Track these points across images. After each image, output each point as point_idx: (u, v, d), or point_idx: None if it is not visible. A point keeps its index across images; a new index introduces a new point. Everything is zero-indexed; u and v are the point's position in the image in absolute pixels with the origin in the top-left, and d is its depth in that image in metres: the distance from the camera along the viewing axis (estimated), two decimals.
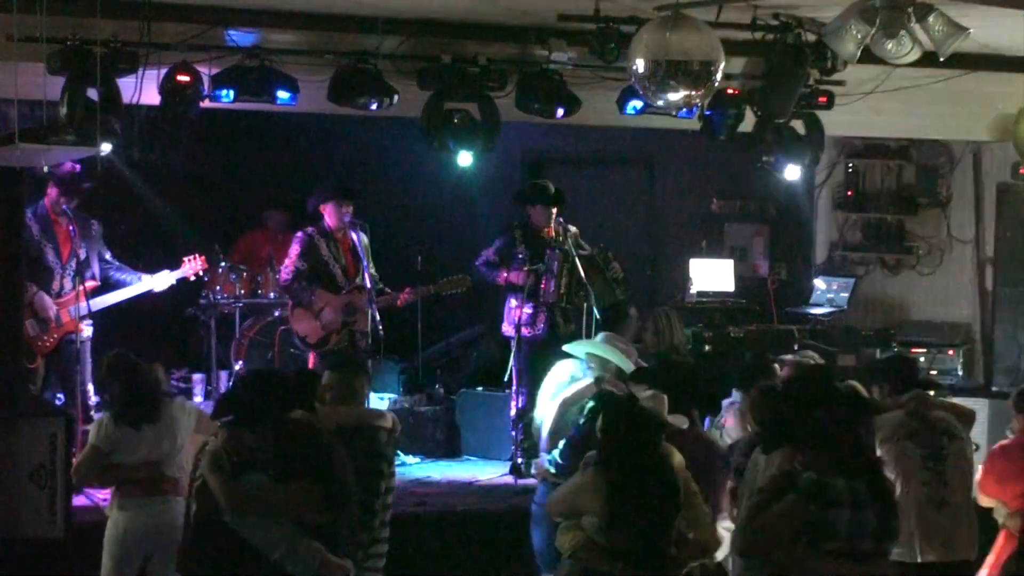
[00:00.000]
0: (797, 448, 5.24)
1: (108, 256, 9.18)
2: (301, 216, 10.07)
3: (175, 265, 9.51)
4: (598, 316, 9.42)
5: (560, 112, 9.37)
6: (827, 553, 4.97)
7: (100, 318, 9.04)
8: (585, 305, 9.62)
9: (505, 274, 9.80)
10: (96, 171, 8.49)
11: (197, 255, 9.64)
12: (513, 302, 9.83)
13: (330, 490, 5.35)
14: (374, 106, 8.95)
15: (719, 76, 7.17)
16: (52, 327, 8.73)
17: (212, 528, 5.28)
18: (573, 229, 9.98)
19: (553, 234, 9.88)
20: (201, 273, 9.77)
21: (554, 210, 9.91)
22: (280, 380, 5.68)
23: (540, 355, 9.31)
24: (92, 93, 7.91)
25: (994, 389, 10.18)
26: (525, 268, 9.73)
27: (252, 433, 5.29)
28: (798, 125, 9.87)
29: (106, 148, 7.91)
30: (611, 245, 10.99)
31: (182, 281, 9.61)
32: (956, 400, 7.14)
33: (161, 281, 9.25)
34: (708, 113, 9.63)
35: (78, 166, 8.71)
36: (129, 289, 9.14)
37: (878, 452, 5.94)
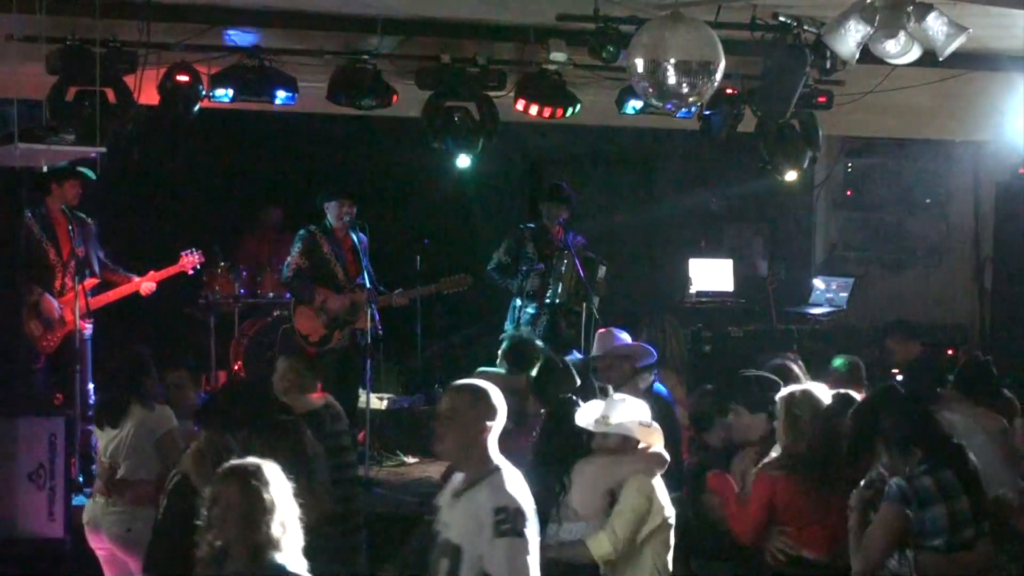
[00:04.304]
0: (875, 455, 5.28)
1: (102, 255, 9.18)
2: (299, 214, 10.07)
3: (167, 265, 9.50)
4: (597, 318, 9.43)
5: (559, 112, 9.38)
6: (933, 549, 5.05)
7: (100, 317, 9.05)
8: (585, 306, 9.61)
9: (518, 284, 9.78)
10: (96, 170, 8.52)
11: (195, 250, 9.64)
12: (518, 302, 9.85)
13: (312, 492, 5.35)
14: (374, 106, 8.97)
15: (718, 76, 7.17)
16: (56, 327, 8.73)
17: (188, 526, 5.25)
18: (581, 239, 9.97)
19: (560, 235, 9.87)
20: (199, 267, 9.76)
21: (562, 211, 9.89)
22: (260, 386, 5.77)
23: None
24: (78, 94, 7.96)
25: None
26: (527, 269, 9.72)
27: (233, 436, 5.33)
28: (796, 125, 9.88)
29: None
30: (610, 245, 10.99)
31: (180, 277, 9.61)
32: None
33: (147, 284, 9.26)
34: (707, 113, 9.65)
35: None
36: (119, 290, 9.15)
37: None
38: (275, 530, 4.39)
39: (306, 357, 7.14)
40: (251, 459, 4.54)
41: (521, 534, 4.45)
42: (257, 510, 4.39)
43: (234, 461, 4.54)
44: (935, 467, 5.14)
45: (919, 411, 5.44)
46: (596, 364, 7.47)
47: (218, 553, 4.42)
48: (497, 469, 4.57)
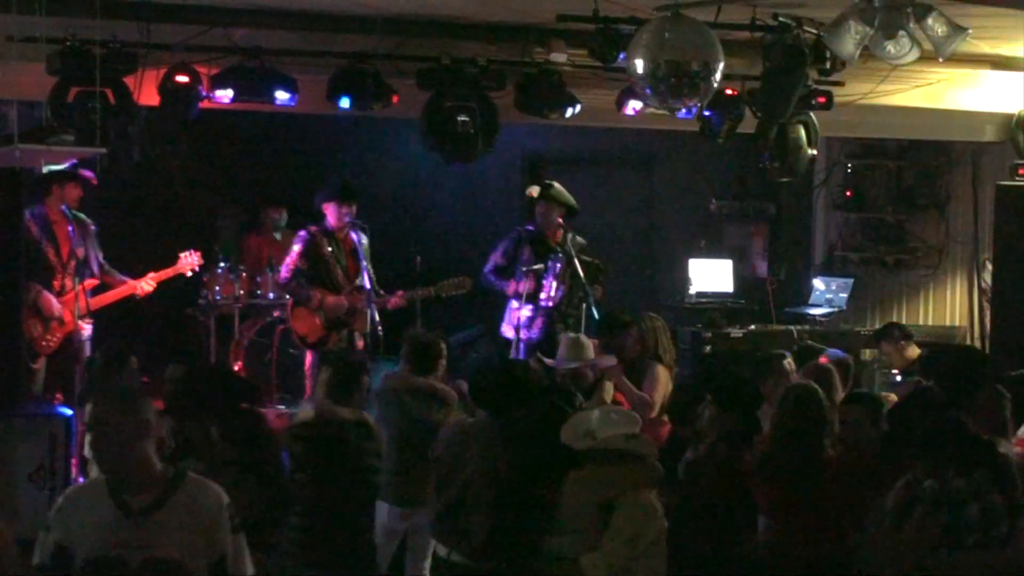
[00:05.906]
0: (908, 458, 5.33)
1: (100, 257, 9.18)
2: (301, 215, 10.06)
3: (166, 266, 9.49)
4: (597, 316, 9.41)
5: (559, 112, 9.38)
6: (968, 547, 5.08)
7: (100, 317, 9.04)
8: (584, 307, 9.59)
9: (514, 286, 9.74)
10: (96, 171, 8.52)
11: (193, 251, 9.63)
12: (514, 304, 9.82)
13: (263, 485, 5.34)
14: (373, 106, 8.97)
15: (718, 76, 7.17)
16: (55, 327, 8.73)
17: None
18: (581, 240, 9.93)
19: (559, 237, 9.84)
20: (197, 269, 9.75)
21: (554, 210, 9.86)
22: (225, 375, 5.78)
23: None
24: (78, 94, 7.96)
25: None
26: (526, 270, 9.70)
27: (193, 423, 5.33)
28: (796, 125, 9.88)
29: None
30: (610, 246, 10.98)
31: (180, 278, 9.61)
32: None
33: (144, 286, 9.25)
34: (707, 113, 9.64)
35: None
36: (114, 292, 9.15)
37: None
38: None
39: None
40: None
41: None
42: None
43: None
44: (968, 468, 5.16)
45: (948, 415, 5.48)
46: (560, 374, 7.42)
47: None
48: (184, 472, 4.40)
